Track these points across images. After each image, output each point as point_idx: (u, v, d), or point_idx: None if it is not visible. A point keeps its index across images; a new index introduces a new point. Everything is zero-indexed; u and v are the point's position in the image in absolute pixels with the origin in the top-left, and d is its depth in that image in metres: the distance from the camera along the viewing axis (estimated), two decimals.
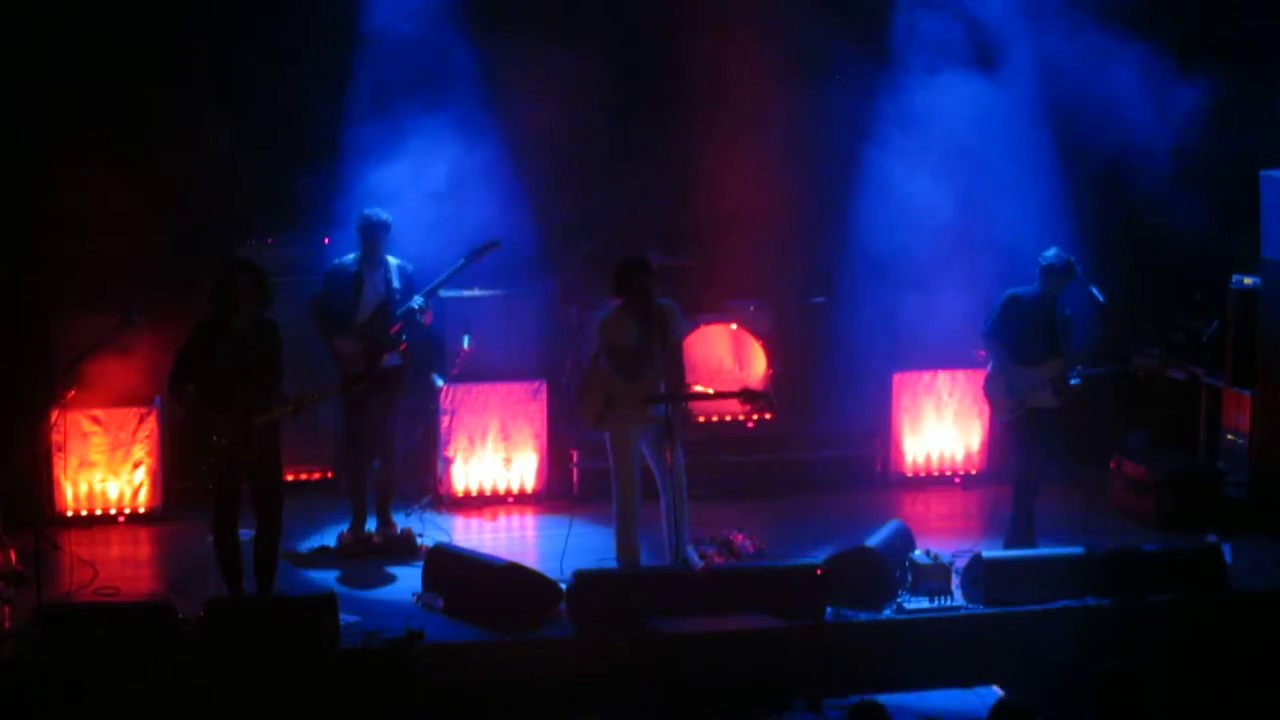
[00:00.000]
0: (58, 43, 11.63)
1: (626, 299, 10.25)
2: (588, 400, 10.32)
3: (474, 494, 12.27)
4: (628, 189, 13.19)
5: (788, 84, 12.76)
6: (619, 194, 13.25)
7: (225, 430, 9.59)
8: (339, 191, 11.79)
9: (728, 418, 12.74)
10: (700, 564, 10.46)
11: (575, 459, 12.38)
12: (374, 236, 10.99)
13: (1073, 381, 10.71)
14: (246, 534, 10.36)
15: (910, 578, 10.17)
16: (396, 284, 11.02)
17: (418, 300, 10.96)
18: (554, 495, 12.35)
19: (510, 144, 12.10)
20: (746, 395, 10.51)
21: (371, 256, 11.00)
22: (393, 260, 11.09)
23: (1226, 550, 10.61)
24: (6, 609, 9.69)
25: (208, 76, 12.05)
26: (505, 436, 12.26)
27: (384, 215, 11.04)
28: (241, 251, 11.81)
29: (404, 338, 10.97)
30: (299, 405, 9.76)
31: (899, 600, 10.04)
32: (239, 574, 9.88)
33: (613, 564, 10.34)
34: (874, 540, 10.35)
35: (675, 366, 10.31)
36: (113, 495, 11.74)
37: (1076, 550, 10.39)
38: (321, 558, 11.01)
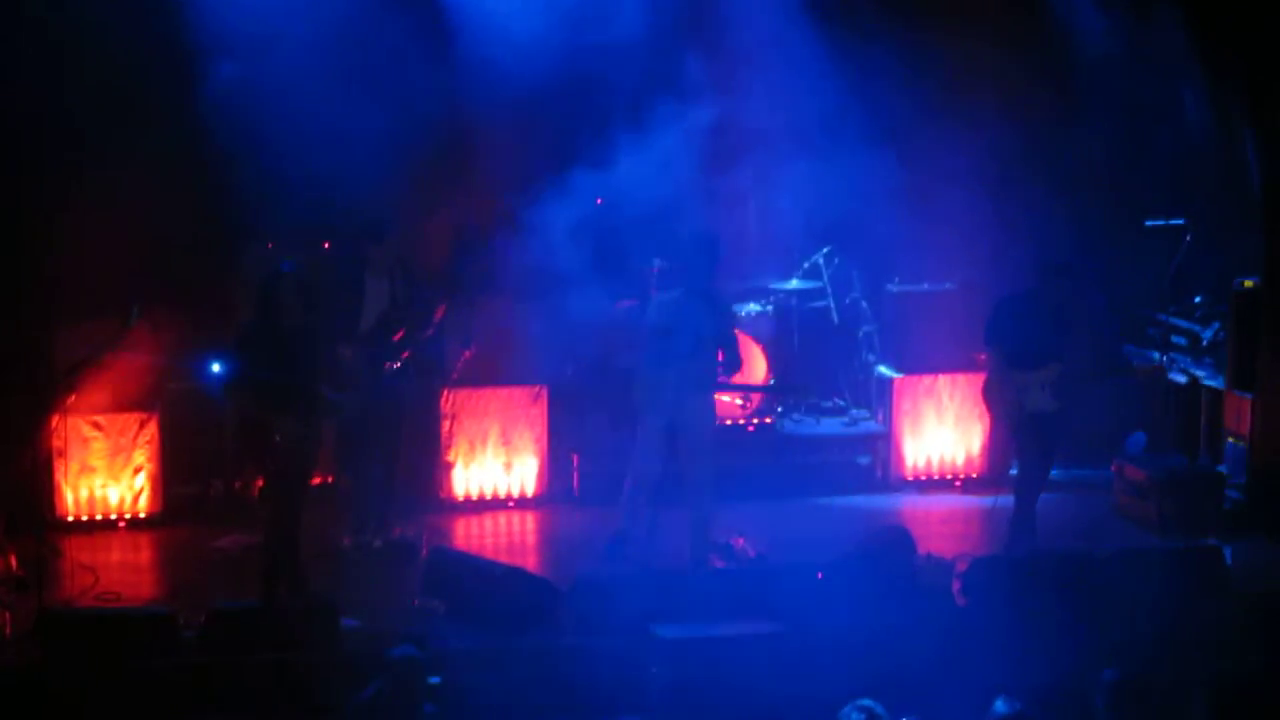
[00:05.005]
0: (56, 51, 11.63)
1: (687, 279, 10.47)
2: (638, 379, 10.50)
3: (474, 498, 12.28)
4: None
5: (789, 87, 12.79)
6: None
7: (288, 430, 9.61)
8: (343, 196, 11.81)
9: (728, 421, 12.73)
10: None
11: (576, 463, 12.39)
12: (378, 241, 11.01)
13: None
14: (243, 539, 10.44)
15: (911, 581, 10.16)
16: (400, 291, 11.04)
17: (432, 295, 11.03)
18: (554, 499, 12.37)
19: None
20: (788, 389, 10.63)
21: (376, 264, 11.01)
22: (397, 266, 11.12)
23: (1227, 553, 10.62)
24: (8, 615, 9.67)
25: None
26: (506, 441, 12.27)
27: (388, 220, 11.07)
28: (242, 256, 11.82)
29: (407, 345, 11.00)
30: (338, 408, 9.77)
31: (900, 603, 10.03)
32: (296, 584, 9.85)
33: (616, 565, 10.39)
34: (874, 544, 10.36)
35: (719, 355, 10.49)
36: (113, 500, 11.74)
37: (1077, 553, 10.39)
38: (322, 562, 11.00)
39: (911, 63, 12.64)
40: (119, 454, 11.72)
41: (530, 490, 12.34)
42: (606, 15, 11.71)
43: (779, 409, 12.94)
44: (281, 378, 9.57)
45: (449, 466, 12.19)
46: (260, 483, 9.96)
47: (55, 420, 11.03)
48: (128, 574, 10.88)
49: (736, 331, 12.59)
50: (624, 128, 11.75)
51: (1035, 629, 9.78)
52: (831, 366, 13.30)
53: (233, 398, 9.91)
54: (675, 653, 9.03)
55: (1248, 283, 11.84)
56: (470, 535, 11.76)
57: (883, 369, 13.10)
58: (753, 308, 13.05)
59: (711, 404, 10.67)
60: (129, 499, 11.76)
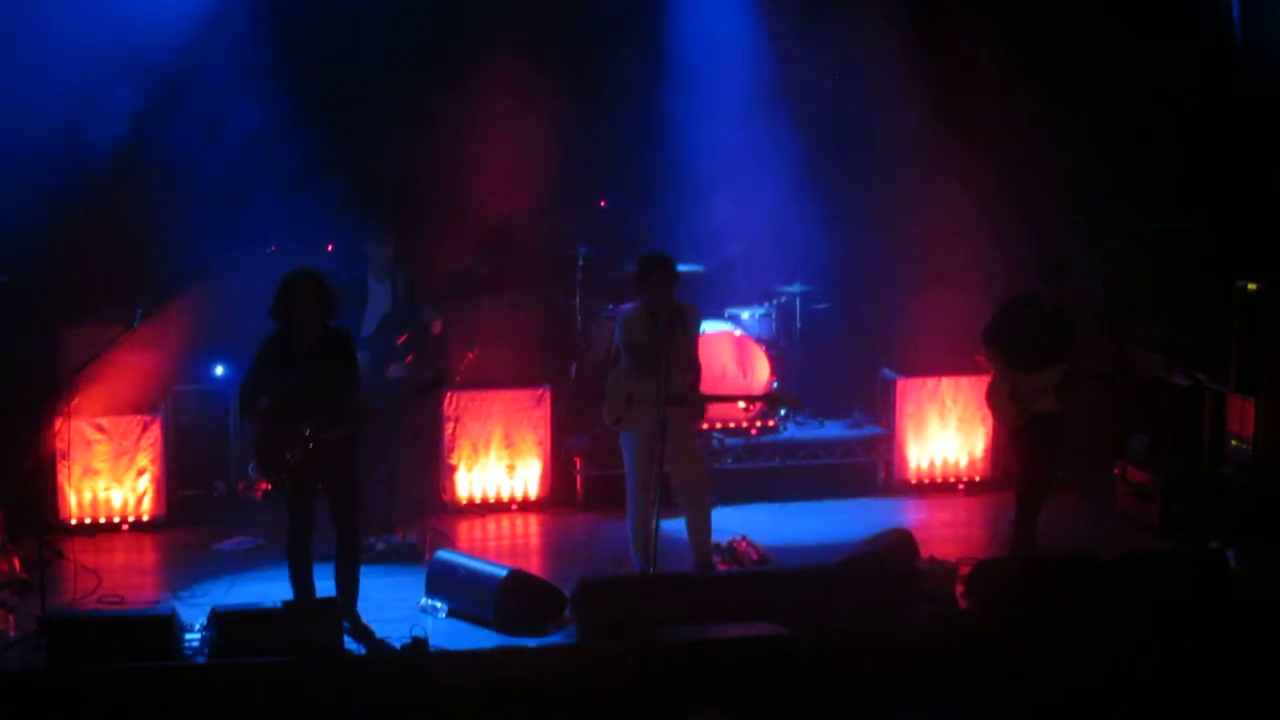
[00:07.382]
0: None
1: (646, 295, 10.12)
2: (609, 399, 10.18)
3: (478, 501, 12.28)
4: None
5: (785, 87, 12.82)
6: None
7: (297, 446, 9.38)
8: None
9: (731, 424, 12.73)
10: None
11: (579, 466, 12.39)
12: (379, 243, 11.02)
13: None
14: (246, 542, 10.36)
15: (915, 585, 10.15)
16: (403, 294, 11.03)
17: (428, 310, 11.00)
18: (557, 502, 12.37)
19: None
20: (772, 399, 10.47)
21: (378, 268, 11.00)
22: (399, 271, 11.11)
23: (1230, 556, 10.60)
24: (11, 617, 9.69)
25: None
26: (509, 443, 12.27)
27: (388, 227, 11.06)
28: (246, 258, 11.83)
29: (411, 350, 10.99)
30: (371, 415, 9.63)
31: (902, 606, 10.02)
32: (311, 592, 9.69)
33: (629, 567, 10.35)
34: (877, 547, 10.35)
35: (692, 365, 10.21)
36: (116, 503, 11.74)
37: (1080, 556, 10.38)
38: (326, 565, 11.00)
39: (910, 64, 12.67)
40: (122, 456, 11.73)
41: (533, 493, 12.34)
42: None
43: (781, 412, 12.93)
44: (298, 391, 9.37)
45: (452, 469, 12.20)
46: (265, 486, 9.83)
47: (58, 423, 11.02)
48: (130, 576, 10.88)
49: (733, 335, 12.62)
50: None
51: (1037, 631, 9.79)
52: (834, 369, 13.29)
53: (247, 413, 9.59)
54: (675, 655, 9.02)
55: (1251, 284, 11.83)
56: (473, 538, 11.76)
57: (886, 371, 13.09)
58: (756, 310, 13.04)
59: (687, 411, 10.25)
60: (132, 501, 11.76)
